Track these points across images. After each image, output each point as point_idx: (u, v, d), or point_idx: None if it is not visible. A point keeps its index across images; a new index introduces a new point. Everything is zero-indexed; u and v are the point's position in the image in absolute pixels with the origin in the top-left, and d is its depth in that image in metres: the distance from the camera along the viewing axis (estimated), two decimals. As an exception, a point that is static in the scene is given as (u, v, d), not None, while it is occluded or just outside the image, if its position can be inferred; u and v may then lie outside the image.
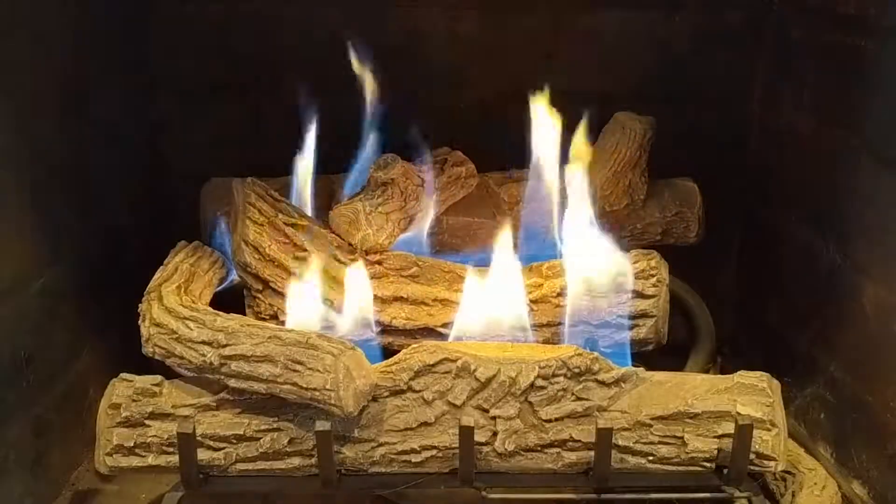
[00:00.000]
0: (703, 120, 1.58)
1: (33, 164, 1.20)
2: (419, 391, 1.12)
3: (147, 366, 1.19)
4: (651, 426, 1.12)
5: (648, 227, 1.45)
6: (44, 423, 1.21)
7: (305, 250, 1.28)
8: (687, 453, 1.12)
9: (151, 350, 1.16)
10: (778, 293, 1.50)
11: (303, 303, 1.24)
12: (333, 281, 1.27)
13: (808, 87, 1.40)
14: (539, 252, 1.37)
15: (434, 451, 1.12)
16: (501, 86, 1.56)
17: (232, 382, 1.11)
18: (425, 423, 1.12)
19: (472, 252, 1.39)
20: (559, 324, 1.28)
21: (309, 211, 1.38)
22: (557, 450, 1.13)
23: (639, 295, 1.27)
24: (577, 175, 1.36)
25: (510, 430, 1.12)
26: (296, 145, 1.40)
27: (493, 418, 1.12)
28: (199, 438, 1.10)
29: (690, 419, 1.12)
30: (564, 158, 1.40)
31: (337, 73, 1.46)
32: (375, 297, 1.28)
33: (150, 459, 1.12)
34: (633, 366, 1.19)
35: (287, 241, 1.28)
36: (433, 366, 1.13)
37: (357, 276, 1.26)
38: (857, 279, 1.25)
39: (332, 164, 1.42)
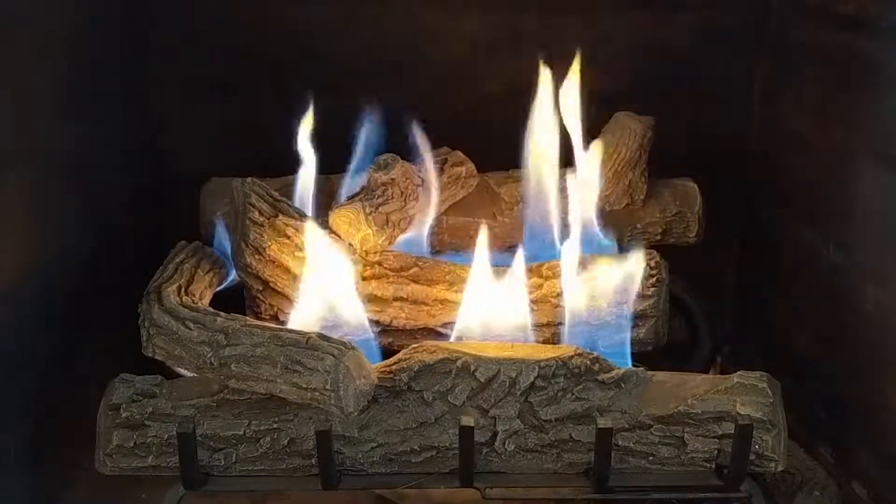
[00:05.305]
0: (703, 120, 1.58)
1: (33, 164, 1.20)
2: (419, 391, 1.13)
3: (147, 366, 1.19)
4: (651, 426, 1.12)
5: (648, 227, 1.45)
6: (44, 423, 1.21)
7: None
8: (687, 454, 1.12)
9: (152, 351, 1.16)
10: (778, 293, 1.50)
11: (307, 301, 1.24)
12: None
13: (808, 87, 1.40)
14: (539, 252, 1.37)
15: (434, 452, 1.12)
16: (502, 85, 1.56)
17: (232, 383, 1.11)
18: (425, 424, 1.12)
19: (472, 252, 1.38)
20: (559, 324, 1.28)
21: (309, 211, 1.38)
22: (557, 450, 1.13)
23: (638, 295, 1.27)
24: (586, 175, 1.36)
25: (510, 431, 1.12)
26: (296, 145, 1.40)
27: (493, 418, 1.12)
28: (199, 438, 1.10)
29: (690, 419, 1.12)
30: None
31: (337, 71, 1.45)
32: (376, 297, 1.28)
33: (150, 460, 1.12)
34: (634, 366, 1.19)
35: (287, 241, 1.28)
36: (433, 366, 1.13)
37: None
38: (858, 279, 1.25)
39: (332, 164, 1.42)
